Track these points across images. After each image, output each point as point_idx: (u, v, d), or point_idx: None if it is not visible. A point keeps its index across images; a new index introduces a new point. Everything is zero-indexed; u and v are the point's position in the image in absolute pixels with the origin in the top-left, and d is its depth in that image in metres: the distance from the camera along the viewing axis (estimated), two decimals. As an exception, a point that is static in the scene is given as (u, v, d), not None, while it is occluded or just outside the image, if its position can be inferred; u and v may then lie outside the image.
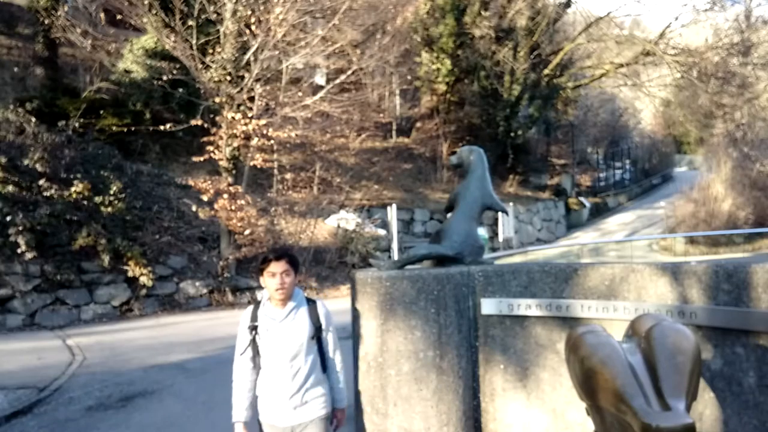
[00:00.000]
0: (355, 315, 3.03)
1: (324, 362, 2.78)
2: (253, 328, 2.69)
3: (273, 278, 2.63)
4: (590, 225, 23.83)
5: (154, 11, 12.07)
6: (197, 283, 11.65)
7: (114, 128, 13.49)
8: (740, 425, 2.38)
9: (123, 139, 13.62)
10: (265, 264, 2.66)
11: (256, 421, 2.78)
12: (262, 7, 11.97)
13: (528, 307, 2.90)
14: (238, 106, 12.19)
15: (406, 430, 2.88)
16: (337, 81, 14.23)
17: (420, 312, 2.90)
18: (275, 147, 13.79)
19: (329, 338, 2.79)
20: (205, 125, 12.11)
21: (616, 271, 2.72)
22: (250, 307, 2.80)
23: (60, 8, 13.98)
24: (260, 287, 12.48)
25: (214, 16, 12.09)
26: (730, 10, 38.13)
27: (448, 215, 3.53)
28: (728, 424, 2.41)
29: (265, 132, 12.30)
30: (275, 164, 14.54)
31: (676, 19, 43.75)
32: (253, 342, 2.69)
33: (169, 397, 5.70)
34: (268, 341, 2.66)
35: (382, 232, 15.42)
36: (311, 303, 2.78)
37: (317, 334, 2.72)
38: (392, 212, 14.66)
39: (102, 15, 16.15)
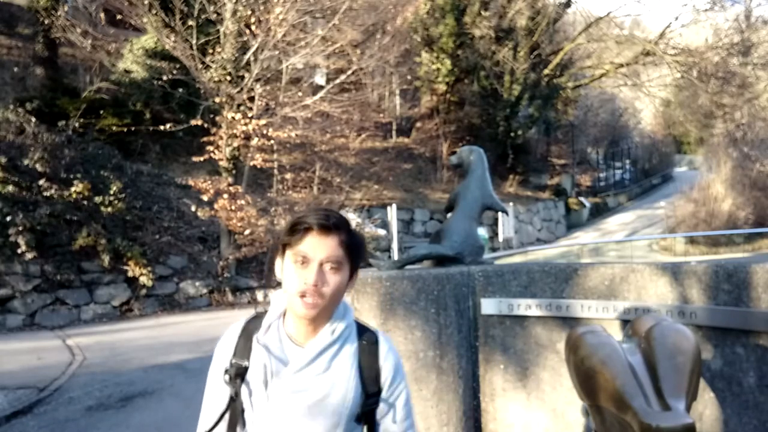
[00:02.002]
0: (355, 315, 3.03)
1: None
2: (238, 376, 1.29)
3: (303, 268, 1.26)
4: (590, 225, 23.83)
5: (154, 11, 12.07)
6: (197, 283, 11.65)
7: (114, 128, 13.49)
8: (740, 425, 2.38)
9: (123, 139, 13.62)
10: (295, 234, 1.27)
11: None
12: (262, 7, 11.97)
13: (528, 307, 2.90)
14: (238, 106, 12.20)
15: (406, 430, 2.88)
16: (337, 81, 14.23)
17: (420, 312, 2.90)
18: (275, 147, 13.79)
19: (397, 417, 1.36)
20: (205, 125, 12.11)
21: (616, 271, 2.72)
22: (237, 327, 1.37)
23: (60, 8, 13.97)
24: (261, 286, 12.48)
25: (214, 16, 12.09)
26: (730, 10, 38.13)
27: (448, 215, 3.53)
28: (728, 424, 2.41)
29: (265, 132, 12.30)
30: (275, 164, 14.54)
31: (676, 19, 43.80)
32: (233, 404, 1.29)
33: (169, 397, 5.70)
34: (265, 410, 1.28)
35: (382, 232, 15.41)
36: (367, 338, 1.38)
37: (370, 408, 1.33)
38: (392, 212, 14.67)
39: (102, 15, 16.15)
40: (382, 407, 1.36)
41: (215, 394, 1.34)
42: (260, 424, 1.29)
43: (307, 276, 1.25)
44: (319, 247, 1.26)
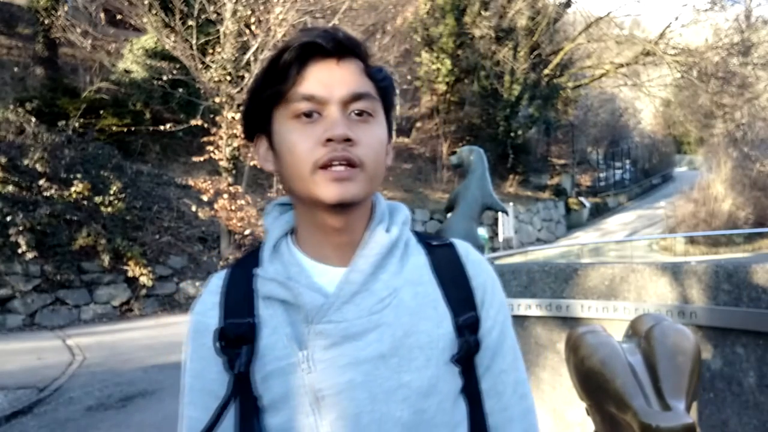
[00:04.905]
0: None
1: None
2: (240, 341, 0.77)
3: (312, 122, 0.76)
4: (590, 225, 23.83)
5: (154, 11, 12.08)
6: (197, 283, 11.64)
7: (114, 128, 13.50)
8: (740, 425, 2.38)
9: (123, 139, 13.63)
10: (287, 70, 0.76)
11: None
12: (262, 7, 11.97)
13: (528, 307, 2.90)
14: (238, 106, 12.19)
15: (406, 430, 2.87)
16: (337, 81, 14.22)
17: (420, 312, 2.89)
18: (275, 147, 13.79)
19: (507, 360, 0.87)
20: (205, 125, 12.11)
21: (616, 271, 2.72)
22: (218, 278, 0.85)
23: (60, 8, 13.98)
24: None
25: (214, 16, 12.09)
26: (730, 10, 38.16)
27: (448, 215, 3.53)
28: (728, 424, 2.41)
29: (265, 132, 12.30)
30: (275, 164, 14.52)
31: (676, 19, 43.83)
32: (239, 384, 0.76)
33: (169, 397, 5.70)
34: (306, 382, 0.75)
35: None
36: (437, 244, 0.88)
37: (469, 350, 0.82)
38: (392, 212, 14.64)
39: (102, 15, 16.16)
40: (484, 348, 0.84)
41: (201, 389, 0.82)
42: (297, 409, 0.76)
43: (325, 129, 0.74)
44: (333, 78, 0.76)
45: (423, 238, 0.89)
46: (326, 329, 0.76)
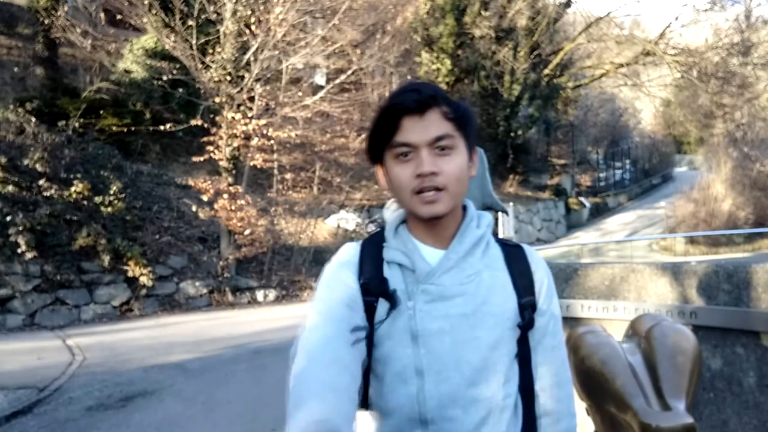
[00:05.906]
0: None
1: (531, 398, 1.15)
2: (378, 293, 1.08)
3: (408, 161, 1.07)
4: (590, 225, 23.83)
5: (154, 11, 12.08)
6: (197, 283, 11.65)
7: (114, 128, 13.49)
8: (740, 425, 2.38)
9: (123, 139, 13.62)
10: (387, 124, 1.07)
11: None
12: (262, 7, 11.97)
13: (528, 307, 2.89)
14: (238, 106, 12.19)
15: (406, 430, 2.87)
16: (337, 81, 14.23)
17: (420, 312, 2.89)
18: (275, 147, 13.78)
19: (553, 337, 1.18)
20: (205, 125, 12.11)
21: (616, 271, 2.72)
22: (353, 247, 1.17)
23: (60, 8, 13.98)
24: (261, 286, 12.48)
25: (214, 16, 12.08)
26: (730, 10, 38.13)
27: (448, 215, 3.53)
28: (728, 424, 2.41)
29: (265, 132, 12.30)
30: (275, 164, 14.53)
31: (676, 19, 43.87)
32: (370, 320, 1.09)
33: (169, 397, 5.70)
34: (409, 328, 1.07)
35: (382, 232, 15.38)
36: (509, 244, 1.20)
37: (528, 323, 1.12)
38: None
39: (102, 15, 16.15)
40: (537, 327, 1.15)
41: (333, 318, 1.04)
42: (400, 341, 1.07)
43: (415, 168, 1.06)
44: (419, 128, 1.06)
45: (499, 240, 1.20)
46: (429, 289, 1.08)
